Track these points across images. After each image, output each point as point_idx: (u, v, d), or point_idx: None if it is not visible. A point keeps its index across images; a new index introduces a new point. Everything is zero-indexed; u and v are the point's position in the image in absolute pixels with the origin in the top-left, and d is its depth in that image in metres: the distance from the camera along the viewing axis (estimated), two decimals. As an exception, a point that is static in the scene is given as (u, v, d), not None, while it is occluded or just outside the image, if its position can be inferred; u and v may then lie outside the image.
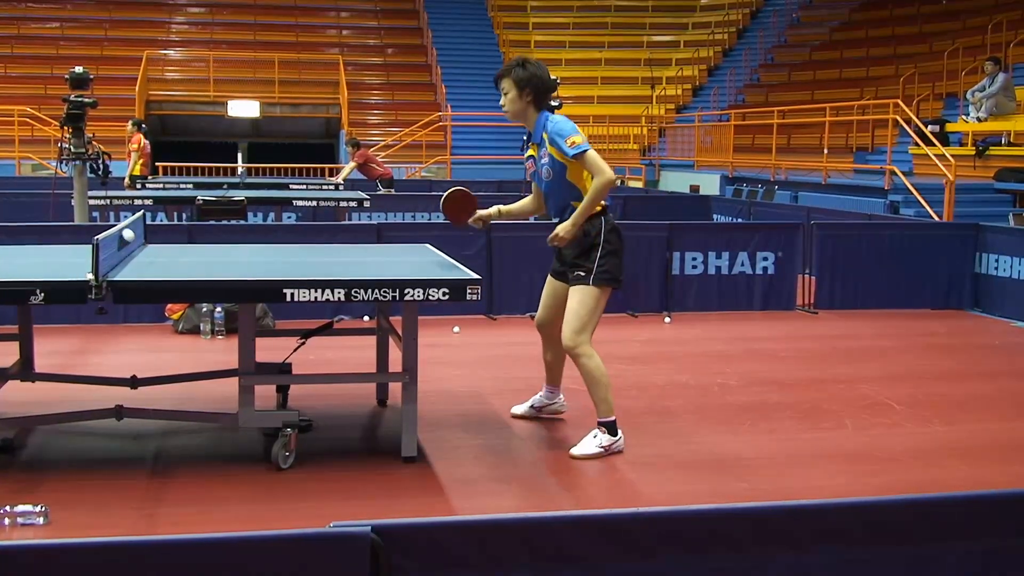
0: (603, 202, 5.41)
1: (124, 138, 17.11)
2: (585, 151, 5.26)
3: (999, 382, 7.32)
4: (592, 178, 5.28)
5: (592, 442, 5.30)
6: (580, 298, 5.33)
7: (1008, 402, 6.74)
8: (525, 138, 5.59)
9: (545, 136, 5.38)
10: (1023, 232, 10.28)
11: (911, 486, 4.90)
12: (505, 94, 5.44)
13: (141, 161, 15.98)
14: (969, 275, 10.10)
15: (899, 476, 5.12)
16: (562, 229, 5.37)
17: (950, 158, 14.15)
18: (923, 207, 13.68)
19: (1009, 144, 15.84)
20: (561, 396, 5.99)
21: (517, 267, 9.28)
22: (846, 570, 2.54)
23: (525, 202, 5.86)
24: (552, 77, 5.53)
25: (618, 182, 5.45)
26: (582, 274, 5.35)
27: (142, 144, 16.11)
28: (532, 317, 9.05)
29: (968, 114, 17.14)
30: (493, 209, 5.79)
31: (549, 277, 5.75)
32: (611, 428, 5.32)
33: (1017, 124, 16.12)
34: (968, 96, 17.07)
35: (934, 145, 14.90)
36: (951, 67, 19.08)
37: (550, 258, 9.14)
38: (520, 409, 6.01)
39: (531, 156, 5.57)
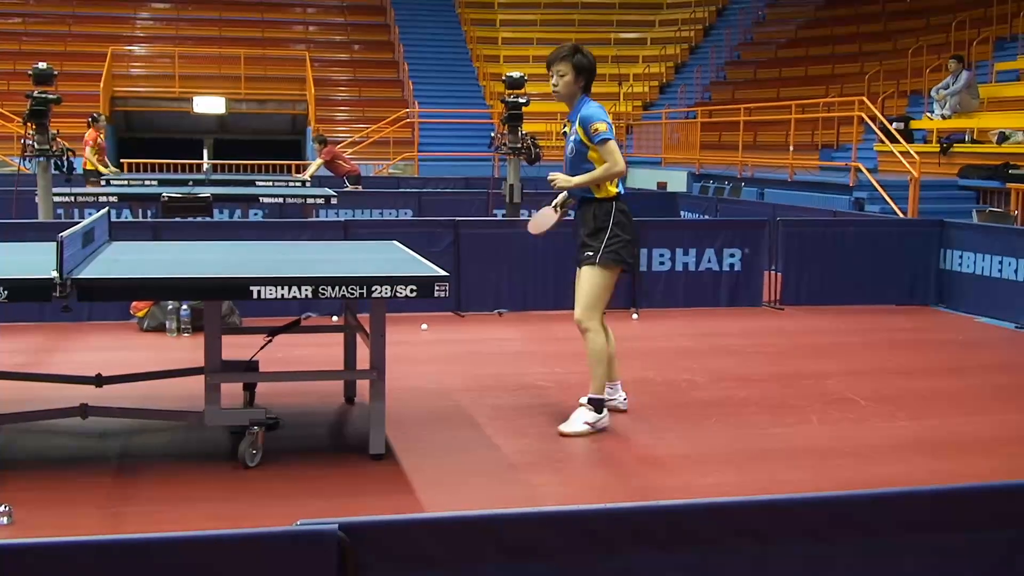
0: (618, 189, 5.63)
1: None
2: (606, 140, 5.47)
3: (963, 377, 7.39)
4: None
5: (579, 419, 5.52)
6: (589, 278, 5.58)
7: (972, 397, 6.81)
8: (567, 118, 5.79)
9: (578, 117, 5.57)
10: (987, 228, 10.40)
11: (876, 480, 4.94)
12: (561, 76, 5.61)
13: (96, 156, 15.80)
14: (933, 271, 10.19)
15: (864, 470, 5.16)
16: (561, 177, 5.59)
17: (915, 155, 14.28)
18: (888, 204, 13.80)
19: (973, 141, 16.00)
20: (622, 393, 6.02)
21: (485, 264, 9.28)
22: (810, 564, 2.55)
23: None
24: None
25: (625, 175, 5.77)
26: (590, 254, 5.57)
27: (97, 140, 15.92)
28: (500, 314, 9.12)
29: (932, 111, 17.31)
30: (561, 196, 5.97)
31: (577, 270, 5.83)
32: (598, 405, 5.57)
33: (980, 121, 16.29)
34: (932, 94, 17.24)
35: (899, 142, 15.03)
36: (915, 65, 19.25)
37: (518, 255, 9.27)
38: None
39: (566, 133, 5.78)
